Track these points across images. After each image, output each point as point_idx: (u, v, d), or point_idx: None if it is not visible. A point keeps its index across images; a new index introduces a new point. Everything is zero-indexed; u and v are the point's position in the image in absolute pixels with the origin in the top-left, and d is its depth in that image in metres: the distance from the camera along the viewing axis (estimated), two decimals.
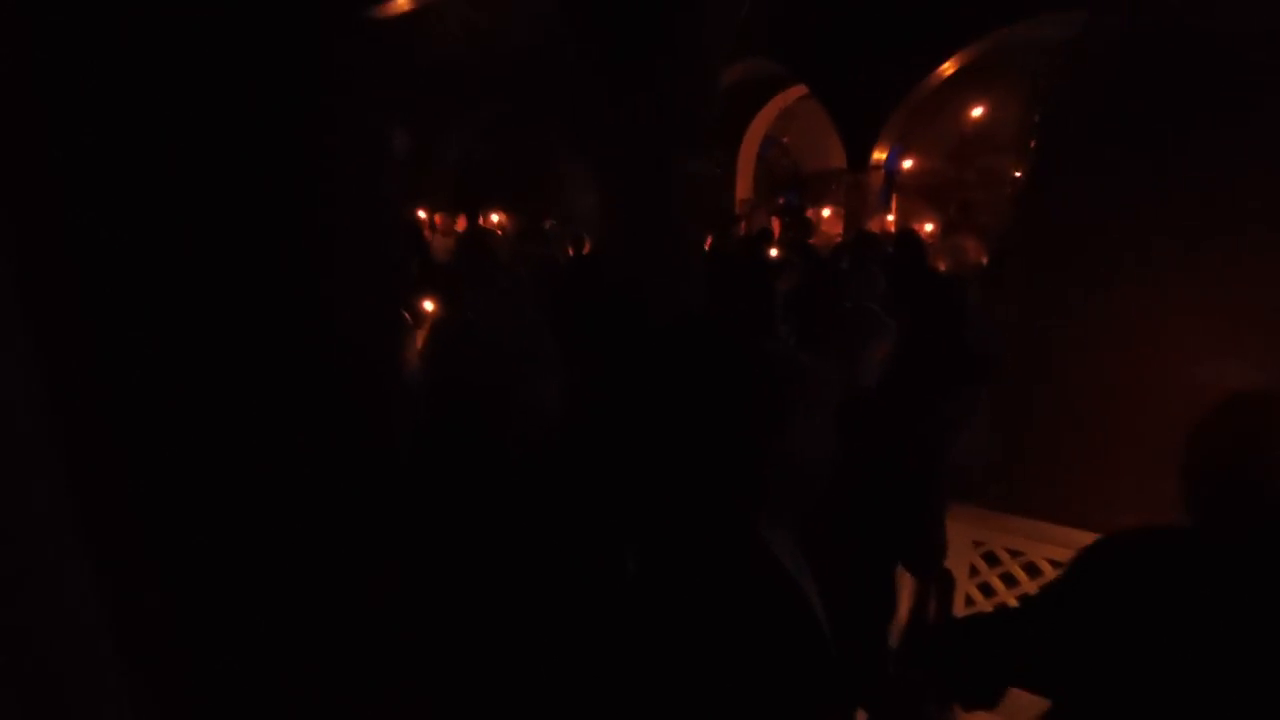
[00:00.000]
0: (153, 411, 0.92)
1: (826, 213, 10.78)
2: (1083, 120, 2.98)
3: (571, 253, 6.38)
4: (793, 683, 1.13)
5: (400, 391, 1.41)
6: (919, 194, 11.42)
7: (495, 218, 9.31)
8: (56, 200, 0.83)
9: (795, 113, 11.59)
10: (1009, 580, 2.82)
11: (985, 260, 5.15)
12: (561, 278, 4.75)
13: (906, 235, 5.37)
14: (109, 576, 0.88)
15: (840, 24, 8.43)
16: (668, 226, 3.60)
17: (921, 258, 4.85)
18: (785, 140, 13.03)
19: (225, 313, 0.96)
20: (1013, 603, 2.78)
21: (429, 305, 3.42)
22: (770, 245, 6.34)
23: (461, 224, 8.13)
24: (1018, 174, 8.86)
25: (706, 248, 5.68)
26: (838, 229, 9.94)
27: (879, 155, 9.27)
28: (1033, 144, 3.48)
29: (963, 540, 2.84)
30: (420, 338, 1.67)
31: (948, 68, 8.41)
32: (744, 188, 11.71)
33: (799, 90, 10.18)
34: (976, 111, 10.90)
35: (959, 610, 2.85)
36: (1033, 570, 2.75)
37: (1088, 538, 1.37)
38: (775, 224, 8.81)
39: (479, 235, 6.33)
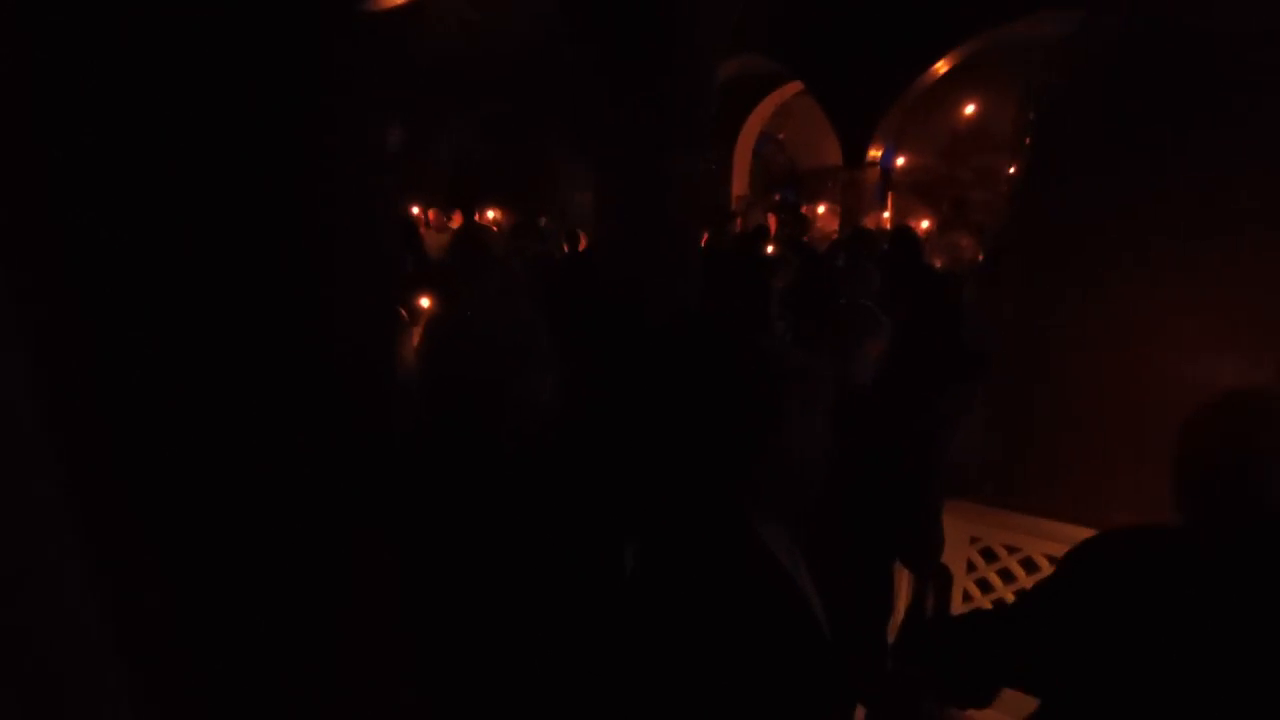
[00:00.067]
0: (151, 411, 0.91)
1: (821, 209, 10.79)
2: (1078, 119, 2.98)
3: (566, 249, 6.38)
4: (790, 679, 1.13)
5: (396, 388, 1.41)
6: (915, 191, 11.44)
7: (491, 214, 9.30)
8: (55, 201, 0.83)
9: (792, 109, 11.58)
10: (1006, 576, 2.83)
11: (980, 258, 5.17)
12: (557, 274, 4.76)
13: (902, 232, 5.37)
14: (109, 576, 0.88)
15: (837, 21, 8.43)
16: (664, 223, 3.60)
17: (917, 255, 4.86)
18: (781, 137, 13.03)
19: (223, 311, 0.96)
20: (1010, 598, 2.79)
21: (425, 302, 3.42)
22: (766, 242, 6.34)
23: (457, 220, 8.12)
24: (1011, 171, 8.88)
25: (702, 244, 5.68)
26: (833, 226, 9.95)
27: (875, 152, 9.27)
28: (1028, 142, 3.48)
29: (960, 536, 2.85)
30: (416, 334, 1.66)
31: (944, 65, 8.41)
32: (740, 184, 11.71)
33: (795, 87, 10.18)
34: (972, 109, 10.92)
35: (956, 605, 2.86)
36: (1030, 566, 2.76)
37: (1084, 533, 1.38)
38: (771, 221, 8.81)
39: (474, 231, 6.33)
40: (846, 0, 8.35)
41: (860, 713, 1.88)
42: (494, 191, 9.75)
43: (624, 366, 2.39)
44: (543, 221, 7.93)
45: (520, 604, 1.33)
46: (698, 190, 3.94)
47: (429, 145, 9.88)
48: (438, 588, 1.30)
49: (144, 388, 0.90)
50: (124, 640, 0.90)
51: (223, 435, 0.96)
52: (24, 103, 0.79)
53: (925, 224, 8.27)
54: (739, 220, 8.89)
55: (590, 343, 2.54)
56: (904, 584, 2.60)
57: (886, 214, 10.35)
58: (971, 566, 2.91)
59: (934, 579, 1.80)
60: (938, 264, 5.22)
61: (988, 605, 2.87)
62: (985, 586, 2.90)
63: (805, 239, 7.05)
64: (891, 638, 2.09)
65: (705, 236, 6.27)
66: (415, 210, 8.18)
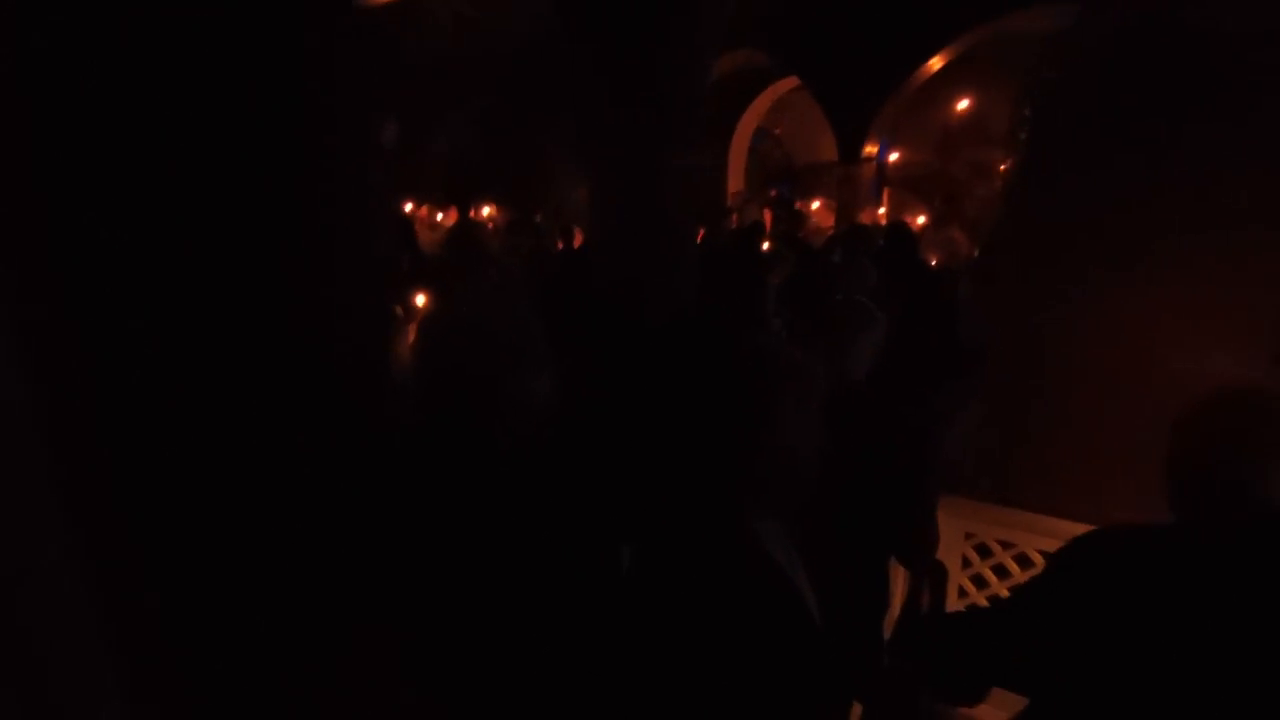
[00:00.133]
0: (150, 411, 0.91)
1: (816, 205, 10.79)
2: (1074, 114, 2.98)
3: (561, 246, 6.36)
4: (786, 676, 1.13)
5: (391, 386, 1.40)
6: (910, 187, 11.44)
7: (486, 211, 9.27)
8: (55, 201, 0.82)
9: (787, 105, 11.57)
10: (1001, 572, 2.84)
11: (975, 253, 5.17)
12: (552, 271, 4.75)
13: (897, 228, 5.37)
14: (108, 577, 0.88)
15: (833, 16, 8.42)
16: (660, 219, 3.60)
17: (913, 251, 4.86)
18: (777, 132, 13.02)
19: (222, 310, 0.95)
20: (1005, 594, 2.80)
21: (420, 299, 3.41)
22: (762, 238, 6.34)
23: (452, 217, 8.09)
24: (1004, 166, 8.89)
25: (698, 241, 5.67)
26: (829, 221, 9.95)
27: (871, 148, 9.27)
28: (1023, 137, 3.47)
29: (955, 532, 2.85)
30: (411, 332, 1.66)
31: (939, 60, 8.41)
32: (736, 180, 11.69)
33: (791, 82, 10.17)
34: (965, 104, 10.93)
35: (952, 601, 2.87)
36: (1024, 561, 2.76)
37: (1079, 529, 1.38)
38: (767, 216, 8.81)
39: (469, 228, 6.31)
40: None
41: (857, 710, 1.88)
42: (489, 188, 9.72)
43: (619, 363, 2.39)
44: (538, 218, 7.91)
45: (517, 601, 1.32)
46: (694, 186, 3.93)
47: (424, 142, 9.85)
48: (434, 586, 1.30)
49: (143, 387, 0.89)
50: (124, 641, 0.90)
51: (222, 434, 0.96)
52: (24, 103, 0.78)
53: (921, 219, 8.27)
54: (735, 216, 8.88)
55: (585, 339, 2.54)
56: (899, 580, 2.61)
57: (882, 209, 10.36)
58: (967, 562, 2.91)
59: (929, 575, 1.79)
60: (933, 260, 5.22)
61: (983, 601, 2.88)
62: (980, 582, 2.91)
63: (801, 234, 7.05)
64: (887, 634, 2.09)
65: (701, 233, 6.26)
66: (409, 207, 8.15)
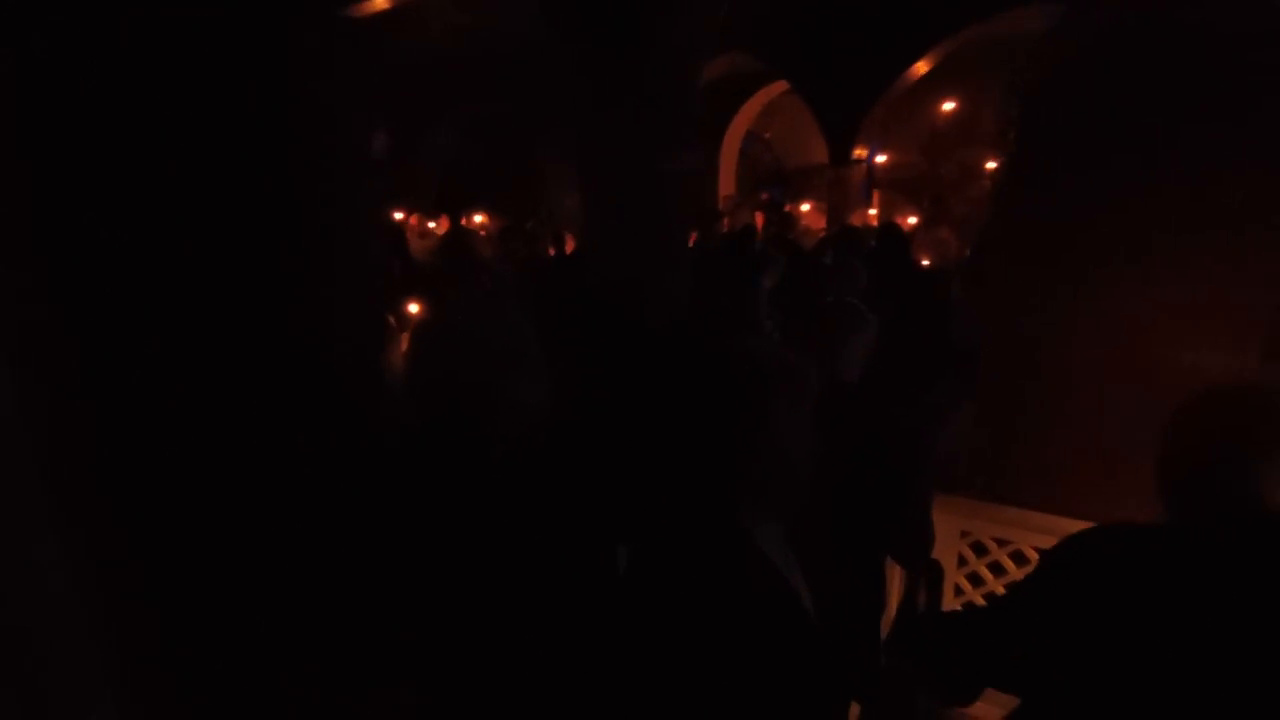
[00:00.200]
0: (150, 411, 0.91)
1: (806, 207, 10.82)
2: (1066, 113, 3.00)
3: (553, 252, 6.36)
4: (783, 676, 1.13)
5: (385, 393, 1.40)
6: (900, 188, 11.48)
7: (478, 218, 9.26)
8: (54, 201, 0.82)
9: (777, 108, 11.61)
10: (997, 569, 2.84)
11: (967, 253, 5.19)
12: (544, 276, 4.75)
13: (889, 230, 5.40)
14: (105, 576, 0.88)
15: (822, 19, 8.46)
16: (651, 224, 3.60)
17: (904, 252, 4.88)
18: (768, 136, 13.06)
19: (222, 310, 0.95)
20: (1001, 591, 2.80)
21: (413, 307, 3.40)
22: (754, 241, 6.35)
23: (443, 225, 8.08)
24: (991, 166, 8.93)
25: (690, 244, 5.68)
26: (820, 224, 9.97)
27: (861, 150, 9.31)
28: (1012, 137, 3.49)
29: (950, 531, 2.86)
30: (404, 340, 1.65)
31: (928, 61, 8.46)
32: (727, 184, 11.73)
33: (781, 86, 10.21)
34: (951, 105, 10.99)
35: (948, 600, 2.87)
36: (1020, 559, 2.77)
37: (1074, 526, 1.38)
38: (758, 219, 8.83)
39: (461, 235, 6.31)
40: None
41: (855, 710, 1.89)
42: (480, 196, 9.71)
43: (613, 366, 2.39)
44: (529, 224, 7.91)
45: (514, 602, 1.32)
46: (687, 189, 3.94)
47: (415, 150, 9.84)
48: (433, 587, 1.29)
49: (143, 388, 0.89)
50: (121, 640, 0.90)
51: (222, 435, 0.96)
52: (24, 104, 0.78)
53: (912, 220, 8.31)
54: (726, 220, 8.90)
55: (579, 344, 2.54)
56: (896, 579, 2.61)
57: (873, 211, 10.39)
58: (963, 561, 2.92)
59: (925, 574, 1.80)
60: (924, 260, 5.24)
61: (980, 599, 2.88)
62: (976, 580, 2.92)
63: (792, 237, 7.07)
64: (884, 633, 2.09)
65: (693, 236, 6.28)
66: (399, 216, 8.13)
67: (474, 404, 1.37)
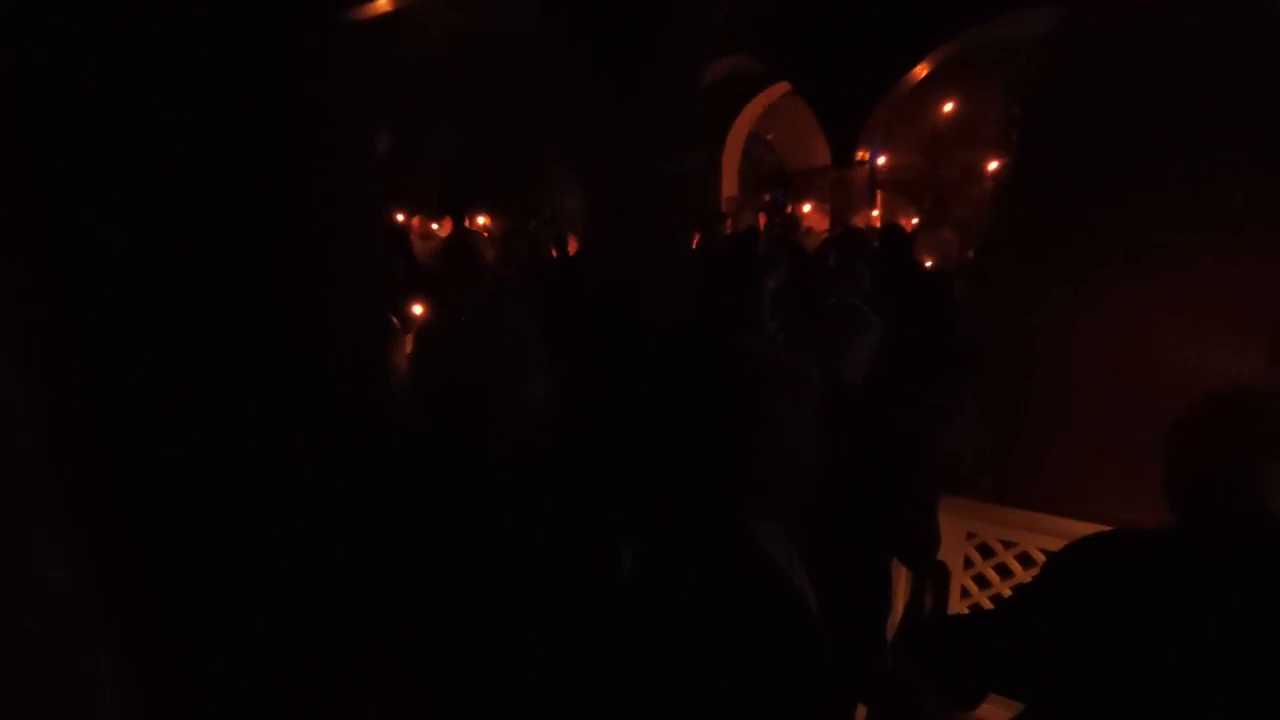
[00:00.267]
0: (151, 411, 0.91)
1: (808, 209, 10.83)
2: (1067, 114, 2.99)
3: (556, 253, 6.37)
4: (788, 677, 1.13)
5: (388, 393, 1.40)
6: (902, 190, 11.49)
7: (481, 220, 9.27)
8: (55, 201, 0.82)
9: (779, 110, 11.62)
10: (1003, 571, 2.83)
11: (969, 254, 5.19)
12: (547, 277, 4.76)
13: (891, 230, 5.39)
14: (107, 577, 0.88)
15: (823, 20, 8.46)
16: (654, 225, 3.60)
17: (907, 253, 4.88)
18: (770, 137, 13.07)
19: (223, 310, 0.95)
20: (1008, 593, 2.80)
21: (417, 309, 3.41)
22: (757, 242, 6.35)
23: (447, 227, 8.09)
24: (992, 167, 8.93)
25: (693, 246, 5.68)
26: (823, 225, 9.98)
27: (863, 152, 9.31)
28: (1014, 138, 3.49)
29: (956, 532, 2.85)
30: (408, 341, 1.66)
31: (929, 63, 8.46)
32: (730, 185, 11.73)
33: (783, 87, 10.21)
34: (951, 107, 10.99)
35: (954, 602, 2.86)
36: (1026, 560, 2.76)
37: (1079, 527, 1.37)
38: (761, 221, 8.83)
39: (464, 237, 6.32)
40: (833, 0, 8.39)
41: (861, 712, 1.88)
42: (483, 197, 9.72)
43: (617, 367, 2.39)
44: (532, 225, 7.92)
45: (518, 602, 1.32)
46: (689, 192, 3.94)
47: (417, 152, 9.86)
48: (435, 589, 1.29)
49: (142, 388, 0.89)
50: (123, 641, 0.90)
51: (222, 435, 0.96)
52: (24, 104, 0.78)
53: (915, 221, 8.31)
54: (729, 221, 8.90)
55: (582, 345, 2.54)
56: (902, 581, 2.60)
57: (875, 212, 10.39)
58: (969, 562, 2.91)
59: (931, 576, 1.79)
60: (927, 262, 5.24)
61: (986, 601, 2.88)
62: (983, 582, 2.91)
63: (794, 238, 7.07)
64: (891, 635, 2.09)
65: (696, 238, 6.28)
66: (401, 218, 8.15)
67: (478, 405, 1.37)
